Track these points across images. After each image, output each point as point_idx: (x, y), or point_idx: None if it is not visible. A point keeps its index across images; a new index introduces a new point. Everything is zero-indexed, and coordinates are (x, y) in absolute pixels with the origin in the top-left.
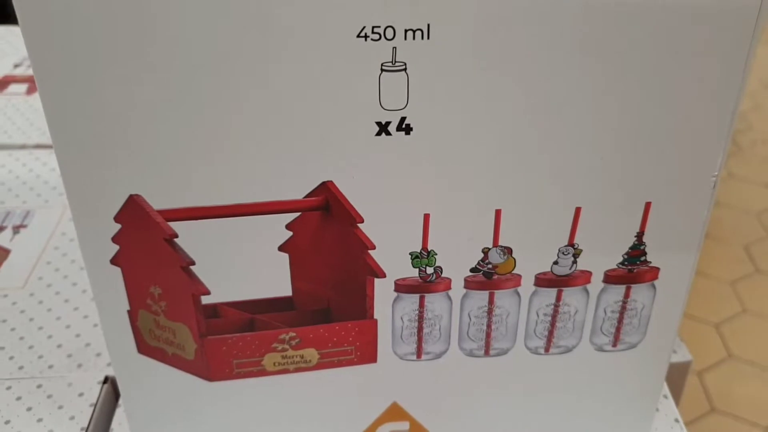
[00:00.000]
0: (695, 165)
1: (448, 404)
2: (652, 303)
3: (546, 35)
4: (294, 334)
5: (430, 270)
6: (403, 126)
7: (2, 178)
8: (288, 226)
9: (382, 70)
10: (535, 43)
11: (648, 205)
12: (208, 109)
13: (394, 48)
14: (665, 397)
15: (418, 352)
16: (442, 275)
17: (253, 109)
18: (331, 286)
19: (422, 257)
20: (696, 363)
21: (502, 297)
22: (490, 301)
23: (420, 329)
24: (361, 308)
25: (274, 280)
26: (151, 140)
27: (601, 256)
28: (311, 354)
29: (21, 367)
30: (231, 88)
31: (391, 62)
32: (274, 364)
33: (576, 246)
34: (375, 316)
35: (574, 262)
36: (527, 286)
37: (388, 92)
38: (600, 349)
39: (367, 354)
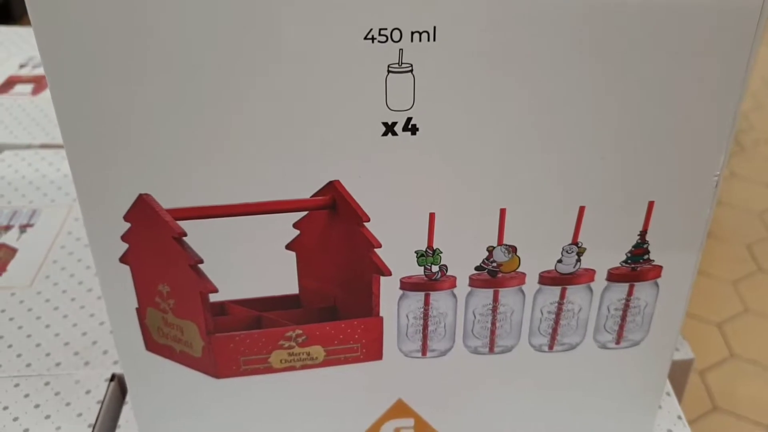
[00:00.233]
0: (697, 165)
1: (453, 401)
2: (655, 301)
3: (549, 36)
4: (300, 332)
5: (435, 268)
6: (409, 126)
7: (9, 177)
8: (295, 225)
9: (388, 71)
10: (539, 44)
11: (651, 204)
12: (218, 110)
13: (401, 50)
14: (668, 394)
15: (424, 350)
16: (448, 273)
17: (263, 110)
18: (338, 284)
19: (428, 255)
20: (698, 362)
21: (507, 295)
22: (495, 299)
23: (425, 327)
24: (367, 306)
25: (281, 278)
26: (162, 140)
27: (605, 255)
28: (318, 351)
29: (29, 365)
30: (239, 89)
31: (398, 64)
32: (281, 361)
33: (580, 244)
34: (381, 314)
35: (578, 260)
36: (531, 284)
37: (395, 93)
38: (603, 346)
39: (373, 351)
